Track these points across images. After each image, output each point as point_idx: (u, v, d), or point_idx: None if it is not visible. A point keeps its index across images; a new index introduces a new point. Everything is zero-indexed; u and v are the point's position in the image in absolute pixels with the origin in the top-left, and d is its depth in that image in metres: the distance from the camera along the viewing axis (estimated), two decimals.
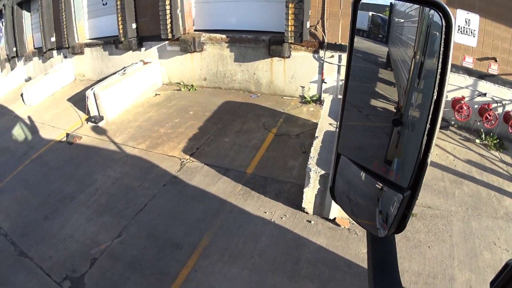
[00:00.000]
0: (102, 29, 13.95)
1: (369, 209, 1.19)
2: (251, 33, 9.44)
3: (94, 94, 9.51)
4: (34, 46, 17.75)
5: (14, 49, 18.12)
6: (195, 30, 10.76)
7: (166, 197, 6.36)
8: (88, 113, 10.75)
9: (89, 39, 14.51)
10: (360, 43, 1.18)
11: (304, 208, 5.22)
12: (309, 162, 5.00)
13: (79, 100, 12.49)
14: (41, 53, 16.30)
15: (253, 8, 9.29)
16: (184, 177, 6.84)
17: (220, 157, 7.75)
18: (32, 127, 11.76)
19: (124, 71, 11.01)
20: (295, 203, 5.55)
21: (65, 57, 15.43)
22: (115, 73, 11.53)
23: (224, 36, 9.73)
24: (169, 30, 10.22)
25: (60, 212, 6.52)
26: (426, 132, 0.88)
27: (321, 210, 5.15)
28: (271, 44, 8.71)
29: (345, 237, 4.84)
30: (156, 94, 11.15)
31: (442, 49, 0.81)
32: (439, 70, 0.83)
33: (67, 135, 10.18)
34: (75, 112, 11.77)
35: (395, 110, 1.11)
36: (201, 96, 10.78)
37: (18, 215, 6.90)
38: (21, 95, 14.44)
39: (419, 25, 0.89)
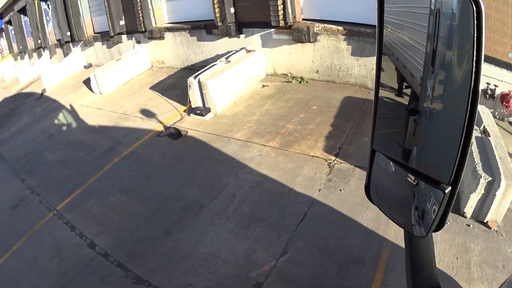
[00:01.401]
0: (185, 12, 15.73)
1: (405, 206, 1.49)
2: (366, 27, 10.83)
3: (200, 83, 10.95)
4: (94, 30, 20.25)
5: (68, 33, 22.11)
6: (303, 19, 11.76)
7: (326, 204, 6.87)
8: (189, 104, 12.08)
9: (169, 23, 16.36)
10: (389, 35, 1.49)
11: (464, 212, 6.25)
12: (477, 169, 5.78)
13: (166, 89, 14.15)
14: (106, 38, 18.60)
15: (371, 1, 10.12)
16: (338, 180, 7.43)
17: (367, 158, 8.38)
18: (110, 118, 13.73)
19: (227, 59, 12.17)
20: (454, 207, 6.21)
21: (138, 42, 17.53)
22: (204, 62, 13.01)
23: (340, 28, 11.14)
24: (280, 17, 11.42)
25: (188, 224, 7.14)
26: (465, 125, 1.10)
27: (477, 214, 6.26)
28: None
29: (495, 239, 5.85)
30: (263, 85, 12.18)
31: (475, 36, 1.01)
32: (473, 59, 1.03)
33: (166, 128, 11.56)
34: (167, 102, 13.34)
35: (423, 103, 1.36)
36: (316, 90, 11.99)
37: (120, 228, 7.69)
38: (85, 82, 17.17)
39: (447, 13, 1.13)
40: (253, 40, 12.73)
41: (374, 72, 8.23)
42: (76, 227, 8.40)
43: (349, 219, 6.63)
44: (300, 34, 11.31)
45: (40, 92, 21.38)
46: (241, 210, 7.11)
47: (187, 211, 7.53)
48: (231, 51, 12.90)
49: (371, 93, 10.75)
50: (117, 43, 18.72)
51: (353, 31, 10.97)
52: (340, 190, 7.27)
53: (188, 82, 11.15)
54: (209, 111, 10.49)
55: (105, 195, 8.91)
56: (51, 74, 21.50)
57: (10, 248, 9.31)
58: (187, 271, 6.14)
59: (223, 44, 13.69)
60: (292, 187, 7.48)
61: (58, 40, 24.44)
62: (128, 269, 6.67)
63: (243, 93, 11.40)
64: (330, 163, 8.48)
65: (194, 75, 11.20)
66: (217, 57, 13.31)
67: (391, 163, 1.65)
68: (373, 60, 10.03)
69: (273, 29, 12.14)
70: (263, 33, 12.62)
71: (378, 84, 1.69)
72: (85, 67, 21.40)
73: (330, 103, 10.80)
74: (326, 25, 11.41)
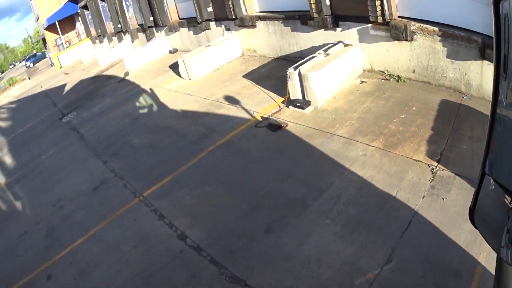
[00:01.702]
0: (277, 2, 15.41)
1: (498, 227, 1.44)
2: (461, 30, 10.62)
3: (300, 75, 10.81)
4: (179, 16, 20.46)
5: (151, 18, 22.70)
6: (398, 17, 11.87)
7: (429, 212, 6.70)
8: (287, 95, 11.64)
9: (260, 11, 16.16)
10: None
11: None
12: None
13: (261, 78, 13.87)
14: (192, 24, 18.61)
15: (464, 5, 10.56)
16: (440, 188, 7.14)
17: (467, 167, 7.95)
18: (201, 105, 13.76)
19: (326, 52, 11.86)
20: None
21: (228, 29, 17.45)
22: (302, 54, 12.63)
23: (436, 28, 10.95)
24: (378, 13, 11.42)
25: (291, 222, 6.89)
26: None
27: None
28: (486, 47, 9.74)
29: None
30: (361, 81, 12.16)
31: None
32: None
33: (264, 118, 11.15)
34: (262, 91, 13.00)
35: None
36: (414, 90, 11.70)
37: (216, 221, 7.59)
38: (172, 67, 17.54)
39: None
40: (350, 34, 12.52)
41: (467, 76, 9.38)
42: (165, 216, 8.27)
43: (450, 229, 6.50)
44: (397, 32, 11.23)
45: (122, 75, 22.14)
46: (346, 212, 6.91)
47: (290, 208, 7.23)
48: (327, 44, 12.80)
49: (466, 98, 10.77)
50: (204, 30, 18.74)
51: (448, 33, 10.78)
52: (443, 199, 7.17)
53: (287, 73, 11.00)
54: (309, 104, 10.27)
55: (199, 185, 8.79)
56: (134, 58, 22.28)
57: (88, 232, 9.44)
58: (288, 273, 5.90)
59: (319, 36, 13.45)
60: (397, 192, 7.30)
61: (140, 25, 25.13)
62: (222, 265, 6.44)
63: (342, 87, 11.50)
64: (433, 169, 8.06)
65: (293, 66, 11.08)
66: (313, 49, 13.20)
67: (495, 183, 1.55)
68: (466, 64, 10.58)
69: (370, 25, 12.00)
70: (360, 27, 12.51)
71: (495, 104, 1.54)
72: (170, 52, 21.72)
73: (428, 105, 10.56)
74: (422, 24, 11.29)
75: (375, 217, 6.84)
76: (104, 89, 21.58)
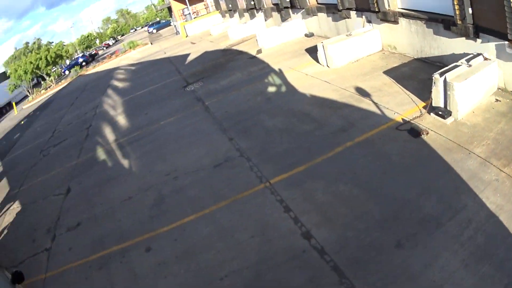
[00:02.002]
0: (420, 0, 14.77)
1: None
2: None
3: (445, 82, 10.41)
4: (317, 1, 20.82)
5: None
6: None
7: None
8: (430, 101, 11.20)
9: (402, 8, 15.70)
10: None
11: None
12: None
13: (402, 78, 13.65)
14: (331, 10, 18.46)
15: None
16: None
17: None
18: (341, 95, 13.40)
19: (468, 62, 11.57)
20: None
21: (369, 21, 17.06)
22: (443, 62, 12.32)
23: None
24: None
25: (422, 241, 6.63)
26: None
27: None
28: None
29: None
30: (496, 100, 11.47)
31: None
32: None
33: (405, 121, 10.85)
34: (403, 92, 12.65)
35: None
36: None
37: (347, 225, 7.26)
38: (308, 51, 17.71)
39: None
40: (488, 47, 11.89)
41: None
42: (291, 209, 8.05)
43: None
44: None
45: (254, 52, 22.42)
46: (475, 239, 6.53)
47: (424, 225, 6.90)
48: (467, 54, 12.16)
49: None
50: (344, 18, 18.50)
51: None
52: None
53: (433, 78, 10.55)
54: (450, 114, 10.07)
55: (333, 182, 8.46)
56: (268, 36, 22.47)
57: (202, 210, 9.59)
58: None
59: (459, 44, 12.95)
60: None
61: (275, 5, 25.10)
62: (344, 275, 6.25)
63: (480, 103, 11.08)
64: None
65: (439, 71, 10.69)
66: (453, 56, 12.82)
67: None
68: None
69: (507, 42, 10.93)
70: (498, 43, 11.66)
71: None
72: (306, 35, 21.78)
73: None
74: None
75: (499, 249, 6.43)
76: (235, 63, 21.50)
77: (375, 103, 11.87)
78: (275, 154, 10.33)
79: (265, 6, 27.49)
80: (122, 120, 19.79)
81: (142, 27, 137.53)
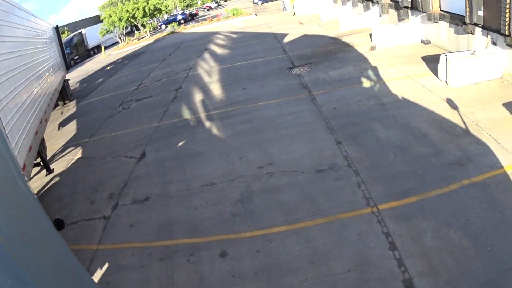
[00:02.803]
0: None
1: None
2: None
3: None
4: (440, 6, 19.19)
5: None
6: None
7: None
8: None
9: None
10: None
11: None
12: None
13: None
14: (455, 21, 17.17)
15: None
16: None
17: None
18: (458, 120, 11.56)
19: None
20: None
21: (494, 43, 15.38)
22: None
23: None
24: None
25: None
26: None
27: None
28: None
29: None
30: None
31: None
32: None
33: None
34: None
35: None
36: None
37: (447, 281, 6.42)
38: (424, 59, 16.35)
39: None
40: None
41: None
42: (397, 248, 7.07)
43: None
44: None
45: (366, 47, 20.99)
46: None
47: None
48: None
49: None
50: (468, 33, 16.49)
51: None
52: None
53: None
54: None
55: (444, 225, 7.38)
56: (384, 34, 20.97)
57: (296, 223, 8.34)
58: None
59: None
60: None
61: (395, 1, 23.90)
62: None
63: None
64: None
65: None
66: None
67: None
68: None
69: None
70: None
71: None
72: (423, 42, 20.49)
73: None
74: None
75: None
76: (346, 55, 20.64)
77: (495, 140, 10.16)
78: (387, 173, 9.19)
79: (382, 1, 25.89)
80: (216, 89, 18.96)
81: None
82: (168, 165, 11.83)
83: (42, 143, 14.00)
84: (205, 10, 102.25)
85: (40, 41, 20.36)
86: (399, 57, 18.32)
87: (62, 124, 21.18)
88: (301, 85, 16.75)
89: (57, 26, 29.14)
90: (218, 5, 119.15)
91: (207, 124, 14.41)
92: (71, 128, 19.43)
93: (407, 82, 14.75)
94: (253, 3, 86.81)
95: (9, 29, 13.43)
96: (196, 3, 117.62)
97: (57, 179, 13.37)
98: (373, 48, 20.41)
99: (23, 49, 14.88)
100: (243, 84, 18.54)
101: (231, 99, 16.71)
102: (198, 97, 18.10)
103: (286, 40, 28.20)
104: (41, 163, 13.23)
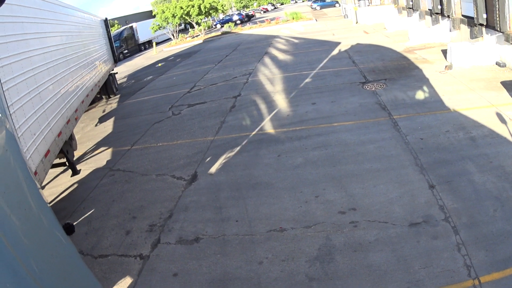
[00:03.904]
0: None
1: None
2: None
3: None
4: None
5: (485, 16, 19.90)
6: None
7: None
8: None
9: None
10: None
11: None
12: None
13: None
14: None
15: None
16: None
17: None
18: None
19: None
20: None
21: None
22: None
23: None
24: None
25: None
26: None
27: None
28: None
29: None
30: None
31: None
32: None
33: None
34: None
35: None
36: None
37: None
38: (504, 85, 14.73)
39: None
40: None
41: None
42: None
43: None
44: None
45: (441, 66, 18.98)
46: None
47: None
48: None
49: None
50: None
51: None
52: None
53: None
54: None
55: None
56: (460, 53, 18.99)
57: None
58: None
59: None
60: None
61: (467, 17, 22.47)
62: None
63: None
64: None
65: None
66: None
67: None
68: None
69: None
70: None
71: None
72: (498, 64, 18.66)
73: None
74: None
75: None
76: (421, 72, 18.55)
77: None
78: (487, 233, 7.54)
79: (454, 16, 24.27)
80: (281, 101, 17.00)
81: (303, 1, 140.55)
82: (225, 195, 10.00)
83: (70, 143, 13.38)
84: (262, 12, 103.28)
85: (79, 34, 19.46)
86: (477, 80, 16.45)
87: (103, 123, 19.84)
88: (379, 106, 14.71)
89: (106, 19, 28.92)
90: (275, 7, 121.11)
91: (273, 145, 12.55)
92: (112, 131, 17.94)
93: (492, 113, 12.90)
94: (311, 8, 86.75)
95: (32, 25, 12.20)
96: (253, 4, 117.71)
97: (88, 191, 11.88)
98: (449, 67, 18.64)
99: (51, 45, 13.69)
100: (312, 97, 16.68)
101: (299, 115, 14.80)
102: (260, 108, 16.40)
103: (353, 50, 26.30)
104: (67, 163, 12.59)
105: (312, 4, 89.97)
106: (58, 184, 13.31)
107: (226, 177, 10.88)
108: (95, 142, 16.64)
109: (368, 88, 16.97)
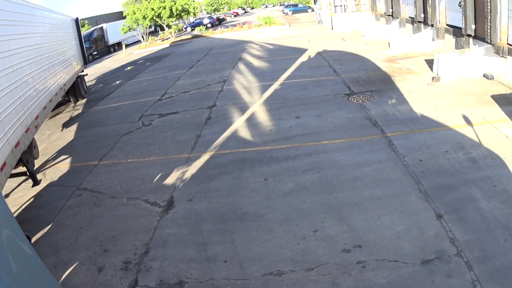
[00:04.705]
0: None
1: None
2: None
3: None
4: (508, 40, 17.15)
5: (474, 26, 19.58)
6: None
7: None
8: None
9: None
10: None
11: None
12: None
13: None
14: None
15: None
16: None
17: None
18: None
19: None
20: None
21: None
22: None
23: None
24: None
25: None
26: None
27: None
28: None
29: None
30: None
31: None
32: None
33: None
34: None
35: None
36: None
37: None
38: (495, 100, 14.21)
39: None
40: None
41: None
42: None
43: None
44: None
45: (428, 77, 18.35)
46: None
47: None
48: None
49: None
50: None
51: None
52: None
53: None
54: None
55: None
56: (447, 64, 18.36)
57: None
58: None
59: None
60: None
61: (453, 27, 22.09)
62: None
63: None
64: None
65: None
66: None
67: None
68: None
69: None
70: None
71: None
72: (486, 76, 18.16)
73: None
74: None
75: None
76: (408, 84, 17.60)
77: None
78: (501, 266, 6.93)
79: (438, 25, 23.73)
80: (261, 114, 15.75)
81: (273, 6, 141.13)
82: (209, 228, 8.75)
83: (30, 152, 12.69)
84: (232, 16, 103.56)
85: (45, 35, 18.23)
86: (467, 93, 15.80)
87: (69, 131, 18.40)
88: (369, 121, 13.69)
89: (77, 18, 27.78)
90: (245, 12, 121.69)
91: (258, 166, 11.28)
92: (79, 141, 16.56)
93: (488, 130, 12.24)
94: (283, 12, 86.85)
95: None
96: (223, 8, 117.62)
97: (54, 212, 10.63)
98: (437, 79, 17.93)
99: (10, 49, 12.43)
100: (295, 110, 15.50)
101: (283, 130, 13.67)
102: (239, 121, 15.15)
103: (332, 58, 25.32)
104: (27, 173, 11.91)
105: (284, 8, 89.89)
106: (19, 196, 12.16)
107: (208, 205, 9.66)
108: (61, 152, 15.34)
109: (354, 101, 15.96)
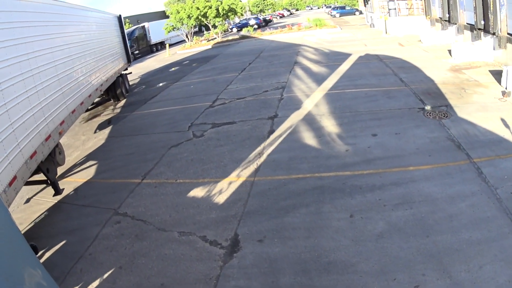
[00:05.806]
0: None
1: None
2: None
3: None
4: None
5: None
6: None
7: None
8: None
9: None
10: None
11: None
12: None
13: None
14: None
15: None
16: None
17: None
18: None
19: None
20: None
21: None
22: None
23: None
24: None
25: None
26: None
27: None
28: None
29: None
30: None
31: None
32: None
33: None
34: None
35: None
36: None
37: None
38: None
39: None
40: None
41: None
42: None
43: None
44: None
45: (496, 90, 16.42)
46: None
47: None
48: None
49: None
50: None
51: None
52: None
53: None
54: None
55: None
56: None
57: None
58: None
59: None
60: None
61: None
62: None
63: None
64: None
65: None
66: None
67: None
68: None
69: None
70: None
71: None
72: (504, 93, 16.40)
73: None
74: None
75: None
76: (481, 98, 15.60)
77: None
78: None
79: (500, 33, 21.75)
80: (331, 128, 13.87)
81: (318, 7, 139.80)
82: (288, 282, 7.09)
83: (52, 159, 11.75)
84: (278, 17, 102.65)
85: (81, 34, 17.29)
86: None
87: (107, 138, 17.12)
88: (453, 143, 11.86)
89: (120, 15, 27.20)
90: (290, 13, 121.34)
91: (339, 197, 9.57)
92: (118, 151, 15.12)
93: None
94: (330, 14, 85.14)
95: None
96: (268, 9, 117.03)
97: (87, 242, 9.17)
98: (508, 94, 16.10)
99: (35, 51, 11.32)
100: (369, 126, 13.77)
101: (361, 151, 11.90)
102: (307, 137, 13.41)
103: (395, 65, 23.40)
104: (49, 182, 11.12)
105: (331, 11, 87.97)
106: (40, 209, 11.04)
107: (283, 249, 7.97)
108: (97, 164, 13.87)
109: (431, 117, 14.15)
